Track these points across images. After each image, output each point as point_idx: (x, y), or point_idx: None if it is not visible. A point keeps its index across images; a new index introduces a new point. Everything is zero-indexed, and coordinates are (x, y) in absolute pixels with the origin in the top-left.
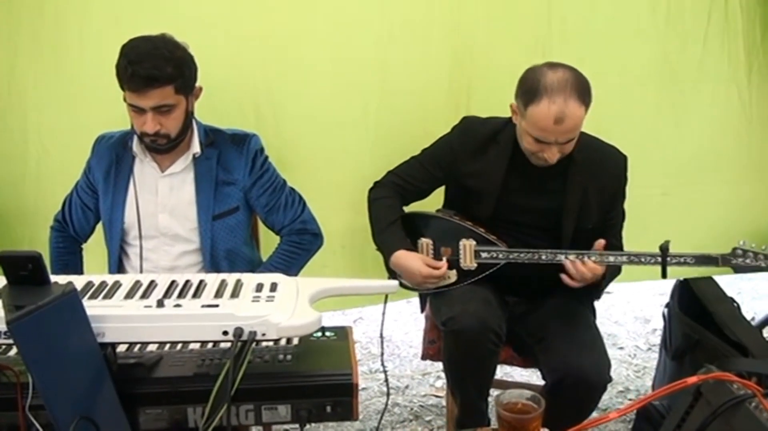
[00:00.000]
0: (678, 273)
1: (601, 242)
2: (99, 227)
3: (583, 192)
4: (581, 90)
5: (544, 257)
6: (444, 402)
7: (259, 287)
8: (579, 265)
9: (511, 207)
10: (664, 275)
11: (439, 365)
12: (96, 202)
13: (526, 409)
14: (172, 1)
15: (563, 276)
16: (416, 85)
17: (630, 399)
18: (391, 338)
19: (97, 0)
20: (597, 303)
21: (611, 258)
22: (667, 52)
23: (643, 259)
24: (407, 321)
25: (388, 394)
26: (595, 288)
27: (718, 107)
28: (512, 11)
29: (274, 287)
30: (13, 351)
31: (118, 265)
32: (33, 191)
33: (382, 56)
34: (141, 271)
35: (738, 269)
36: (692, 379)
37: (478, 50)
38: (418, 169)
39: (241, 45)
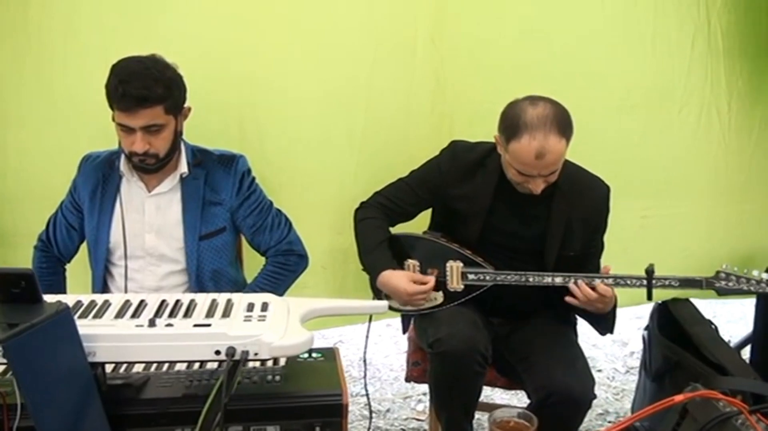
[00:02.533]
0: (659, 295)
1: (607, 267)
2: (82, 247)
3: (567, 220)
4: (561, 124)
5: (531, 279)
6: (425, 426)
7: (250, 307)
8: (585, 288)
9: (497, 231)
10: (649, 297)
11: (421, 388)
12: (81, 221)
13: (518, 427)
14: (158, 20)
15: (567, 298)
16: (400, 107)
17: (609, 422)
18: (371, 361)
19: (82, 18)
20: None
21: (597, 281)
22: (652, 78)
23: (629, 282)
24: (387, 344)
25: (370, 417)
26: (604, 319)
27: (700, 131)
28: (495, 36)
29: (265, 307)
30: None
31: (102, 286)
32: (12, 210)
33: (366, 79)
34: (126, 291)
35: (721, 292)
36: (679, 397)
37: (461, 74)
38: (406, 191)
39: (226, 65)
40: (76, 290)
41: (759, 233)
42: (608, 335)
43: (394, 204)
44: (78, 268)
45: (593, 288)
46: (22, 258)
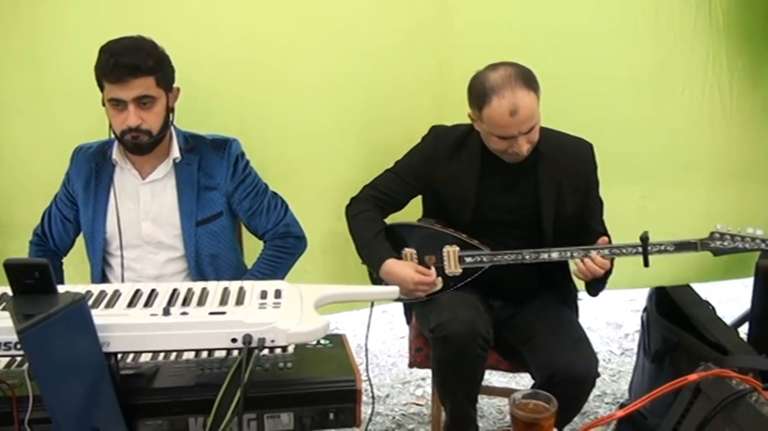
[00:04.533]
0: (652, 275)
1: (603, 239)
2: (79, 240)
3: (557, 183)
4: (525, 79)
5: (527, 257)
6: (425, 410)
7: (264, 294)
8: (588, 263)
9: (489, 208)
10: (646, 263)
11: (420, 373)
12: (76, 213)
13: (538, 409)
14: (155, 6)
15: (573, 271)
16: (400, 93)
17: (607, 403)
18: (369, 347)
19: (75, 9)
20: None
21: (594, 253)
22: (653, 58)
23: (624, 250)
24: (382, 330)
25: (373, 403)
26: (600, 281)
27: (702, 112)
28: (497, 21)
29: (278, 294)
30: (2, 364)
31: (101, 277)
32: (7, 202)
33: (367, 65)
34: (122, 281)
35: (717, 252)
36: (693, 376)
37: (463, 60)
38: (394, 181)
39: (226, 52)
40: (75, 283)
41: (760, 215)
42: (602, 318)
43: (384, 194)
44: (77, 261)
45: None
46: (18, 250)
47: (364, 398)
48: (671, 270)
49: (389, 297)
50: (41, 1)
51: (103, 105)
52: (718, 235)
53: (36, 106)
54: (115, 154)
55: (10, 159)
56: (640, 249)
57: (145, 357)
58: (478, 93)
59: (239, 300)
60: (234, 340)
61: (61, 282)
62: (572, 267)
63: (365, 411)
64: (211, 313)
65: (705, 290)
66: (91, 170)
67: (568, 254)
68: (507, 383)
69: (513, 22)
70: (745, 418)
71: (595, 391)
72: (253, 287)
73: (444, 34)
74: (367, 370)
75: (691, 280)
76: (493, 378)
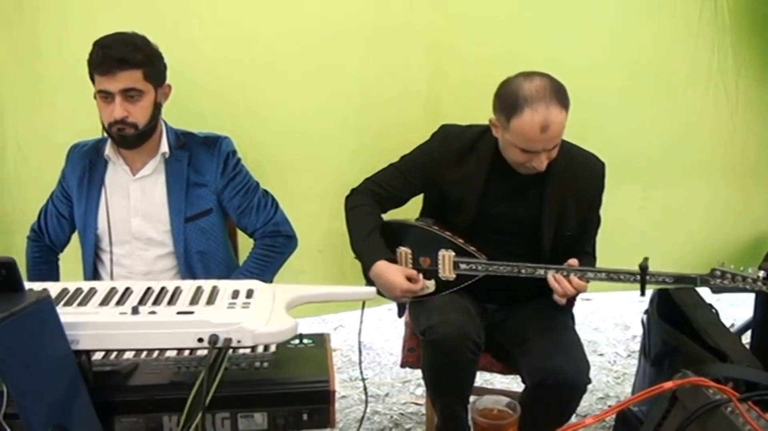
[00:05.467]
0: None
1: (573, 261)
2: (75, 236)
3: (562, 199)
4: (560, 95)
5: (523, 271)
6: (424, 410)
7: (235, 294)
8: (563, 282)
9: (491, 215)
10: (642, 293)
11: (420, 373)
12: (71, 210)
13: (502, 415)
14: (152, 4)
15: (555, 297)
16: (396, 92)
17: (610, 406)
18: (371, 346)
19: (76, 5)
20: (577, 310)
21: (590, 275)
22: (656, 54)
23: (622, 277)
24: (387, 328)
25: (366, 402)
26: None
27: (706, 110)
28: (494, 18)
29: (250, 294)
30: None
31: (93, 273)
32: (10, 198)
33: (362, 63)
34: (112, 277)
35: (716, 290)
36: (668, 384)
37: (458, 59)
38: (397, 177)
39: (220, 50)
40: (71, 278)
41: (764, 216)
42: (610, 319)
43: (385, 190)
44: (73, 257)
45: (569, 282)
46: (20, 246)
47: (360, 397)
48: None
49: (367, 297)
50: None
51: (95, 98)
52: (719, 273)
53: (40, 103)
54: (108, 150)
55: (17, 154)
56: (638, 278)
57: (127, 355)
58: (509, 102)
59: (210, 300)
60: (200, 340)
61: (57, 277)
62: (552, 284)
63: (361, 409)
64: (178, 313)
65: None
66: (85, 167)
67: (565, 273)
68: (509, 384)
69: (511, 19)
70: (719, 429)
71: (599, 393)
72: (226, 287)
73: (439, 34)
74: (360, 369)
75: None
76: (495, 379)
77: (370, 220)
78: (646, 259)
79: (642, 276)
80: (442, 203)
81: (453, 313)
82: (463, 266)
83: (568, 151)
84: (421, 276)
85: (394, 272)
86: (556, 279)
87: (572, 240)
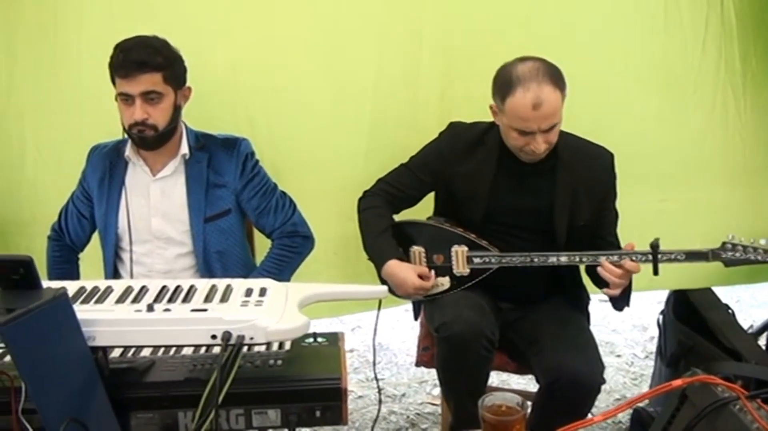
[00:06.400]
0: (674, 277)
1: (631, 244)
2: (95, 237)
3: (573, 190)
4: (553, 76)
5: (536, 260)
6: (440, 410)
7: (249, 292)
8: (609, 267)
9: (502, 208)
10: (655, 272)
11: (436, 373)
12: (91, 210)
13: (509, 412)
14: (170, 8)
15: (605, 290)
16: (409, 93)
17: None
18: (388, 346)
19: (95, 9)
20: (594, 311)
21: (602, 258)
22: (666, 58)
23: (634, 258)
24: (404, 329)
25: (380, 401)
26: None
27: (715, 113)
28: (504, 21)
29: (263, 292)
30: (9, 356)
31: (113, 271)
32: (30, 199)
33: (375, 65)
34: (132, 276)
35: (728, 262)
36: (677, 382)
37: (470, 61)
38: (408, 176)
39: (236, 52)
40: (92, 277)
41: None
42: (628, 320)
43: (397, 190)
44: (94, 256)
45: (619, 266)
46: (40, 248)
47: (373, 397)
48: (695, 272)
49: (379, 296)
50: (62, 5)
51: (116, 101)
52: (730, 246)
53: (57, 104)
54: (128, 151)
55: (36, 156)
56: (650, 257)
57: (144, 352)
58: (503, 83)
59: (224, 298)
60: (214, 337)
61: (77, 277)
62: (602, 273)
63: (374, 410)
64: (192, 310)
65: (736, 294)
66: (106, 167)
67: (577, 259)
68: (526, 385)
69: (522, 21)
70: (728, 427)
71: (615, 394)
72: (240, 285)
73: (451, 37)
74: (374, 368)
75: (715, 283)
76: (512, 380)
77: (381, 221)
78: (657, 239)
79: (654, 255)
80: (453, 199)
81: (467, 310)
82: (476, 260)
83: (575, 142)
84: (433, 273)
85: (405, 270)
86: (606, 269)
87: (587, 230)
